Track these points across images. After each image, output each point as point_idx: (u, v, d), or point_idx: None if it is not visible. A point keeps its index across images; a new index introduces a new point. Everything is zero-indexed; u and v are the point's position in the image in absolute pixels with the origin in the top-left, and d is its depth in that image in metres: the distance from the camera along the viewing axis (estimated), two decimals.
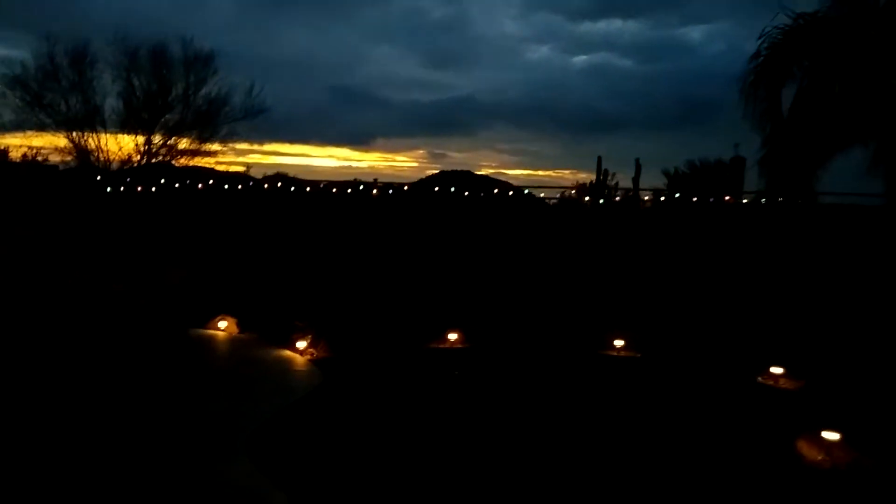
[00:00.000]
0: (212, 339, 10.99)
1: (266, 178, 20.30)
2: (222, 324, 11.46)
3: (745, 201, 16.40)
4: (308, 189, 17.45)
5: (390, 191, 18.85)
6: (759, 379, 9.38)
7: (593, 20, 43.42)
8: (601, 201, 18.03)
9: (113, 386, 8.05)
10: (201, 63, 19.43)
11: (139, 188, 16.29)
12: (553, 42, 41.72)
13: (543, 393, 8.72)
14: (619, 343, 10.64)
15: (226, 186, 16.70)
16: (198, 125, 19.79)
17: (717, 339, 10.69)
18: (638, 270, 13.29)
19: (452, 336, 10.98)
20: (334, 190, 18.58)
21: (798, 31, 11.08)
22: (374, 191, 16.86)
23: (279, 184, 17.20)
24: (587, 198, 19.01)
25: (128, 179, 16.99)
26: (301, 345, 10.08)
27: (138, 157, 19.32)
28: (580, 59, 41.07)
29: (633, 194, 19.81)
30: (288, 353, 10.12)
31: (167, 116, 19.22)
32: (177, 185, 17.20)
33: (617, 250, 14.20)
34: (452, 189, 18.51)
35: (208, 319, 11.55)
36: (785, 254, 12.43)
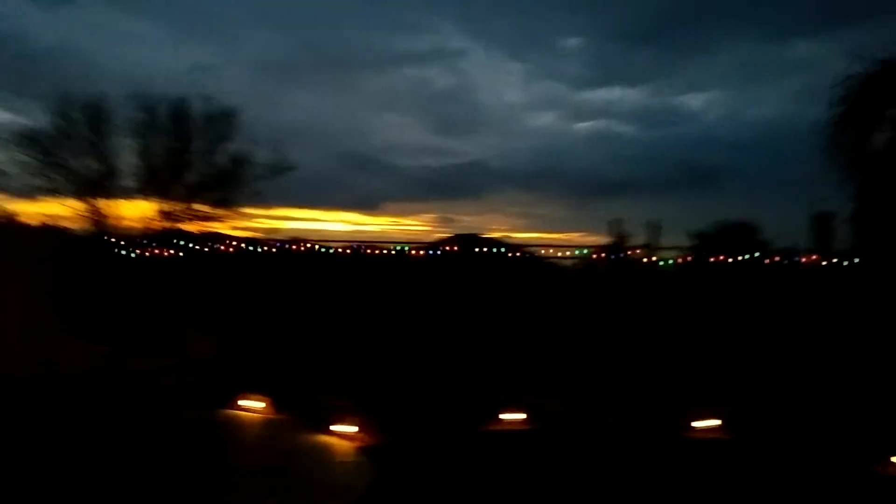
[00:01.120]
0: (242, 422, 9.74)
1: (284, 242, 19.29)
2: (255, 404, 10.24)
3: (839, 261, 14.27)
4: (333, 251, 16.35)
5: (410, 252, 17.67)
6: (879, 469, 8.04)
7: (593, 88, 45.25)
8: (659, 263, 16.88)
9: (129, 483, 6.81)
10: (223, 119, 18.43)
11: (157, 252, 15.18)
12: (556, 109, 43.31)
13: (629, 485, 7.41)
14: (706, 424, 9.34)
15: (250, 249, 15.59)
16: (220, 185, 18.65)
17: (820, 419, 9.37)
18: (712, 338, 12.06)
19: (512, 416, 9.72)
20: (361, 252, 17.42)
21: (882, 76, 10.18)
22: (413, 251, 15.64)
23: (301, 247, 16.06)
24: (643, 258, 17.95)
25: (144, 242, 15.91)
26: (344, 429, 8.82)
27: (157, 220, 18.29)
28: (583, 126, 42.45)
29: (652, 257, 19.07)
30: (330, 439, 8.85)
31: (187, 176, 18.16)
32: (197, 248, 16.14)
33: (688, 315, 12.99)
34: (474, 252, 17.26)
35: (236, 396, 10.34)
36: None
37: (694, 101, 41.94)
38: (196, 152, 18.69)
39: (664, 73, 42.69)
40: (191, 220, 19.41)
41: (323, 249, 16.02)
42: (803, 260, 14.44)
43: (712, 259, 17.25)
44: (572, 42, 40.34)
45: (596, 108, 42.58)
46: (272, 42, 38.94)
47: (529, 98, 43.09)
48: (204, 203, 19.18)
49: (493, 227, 47.93)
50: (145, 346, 9.89)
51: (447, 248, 17.83)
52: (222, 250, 15.64)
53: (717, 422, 9.36)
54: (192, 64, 18.88)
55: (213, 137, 18.74)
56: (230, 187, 19.11)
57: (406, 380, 10.96)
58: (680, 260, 22.06)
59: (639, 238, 19.67)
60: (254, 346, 11.98)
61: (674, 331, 12.77)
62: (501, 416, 9.77)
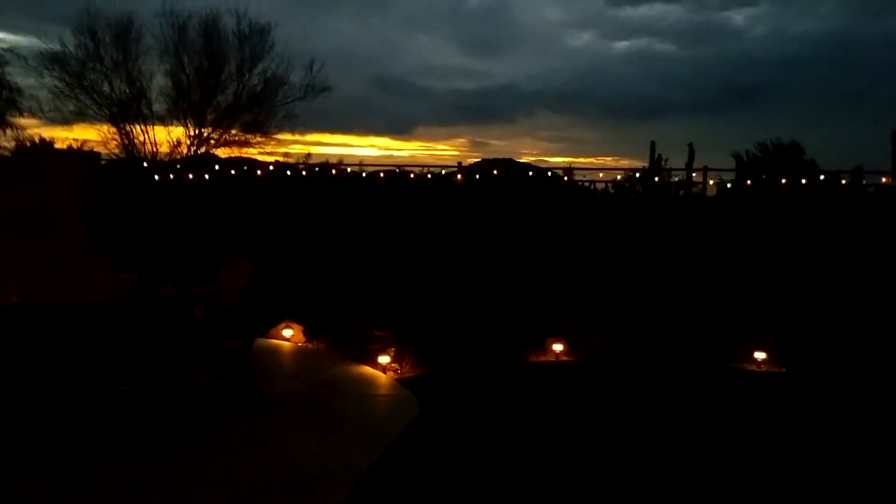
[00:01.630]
0: (276, 351, 9.53)
1: (315, 166, 18.80)
2: (287, 332, 10.02)
3: None
4: (367, 176, 15.86)
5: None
6: None
7: (634, 5, 42.76)
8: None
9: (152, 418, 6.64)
10: (256, 36, 17.49)
11: (189, 177, 14.87)
12: (594, 28, 40.97)
13: (674, 422, 7.03)
14: (759, 356, 8.88)
15: (287, 173, 15.17)
16: (253, 106, 17.97)
17: (878, 350, 8.85)
18: (764, 265, 11.46)
19: (557, 346, 9.36)
20: (408, 177, 16.86)
21: None
22: (458, 176, 15.02)
23: (335, 171, 15.57)
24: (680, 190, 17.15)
25: (177, 167, 15.55)
26: (384, 359, 8.55)
27: (187, 145, 17.81)
28: (622, 45, 40.30)
29: (687, 180, 18.33)
30: (369, 369, 8.59)
31: (219, 98, 17.46)
32: (231, 173, 15.78)
33: (739, 240, 12.34)
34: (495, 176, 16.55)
35: (270, 325, 10.11)
36: None
37: (738, 15, 39.51)
38: (228, 73, 17.87)
39: None
40: (223, 144, 18.96)
41: (362, 173, 15.57)
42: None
43: (766, 180, 16.35)
44: None
45: (636, 26, 40.46)
46: None
47: (567, 16, 40.99)
48: (236, 127, 18.63)
49: (525, 151, 46.57)
50: (176, 274, 9.61)
51: (481, 172, 17.20)
52: (255, 175, 15.28)
53: (764, 355, 8.86)
54: None
55: (245, 57, 17.87)
56: (263, 110, 18.40)
57: (444, 309, 10.63)
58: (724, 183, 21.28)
59: (678, 161, 18.93)
60: (289, 274, 11.71)
61: (723, 257, 12.18)
62: (546, 347, 9.42)
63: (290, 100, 17.75)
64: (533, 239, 13.54)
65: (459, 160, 18.43)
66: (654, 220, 14.59)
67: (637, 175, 20.49)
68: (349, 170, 15.84)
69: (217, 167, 15.20)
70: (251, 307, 9.76)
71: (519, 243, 13.35)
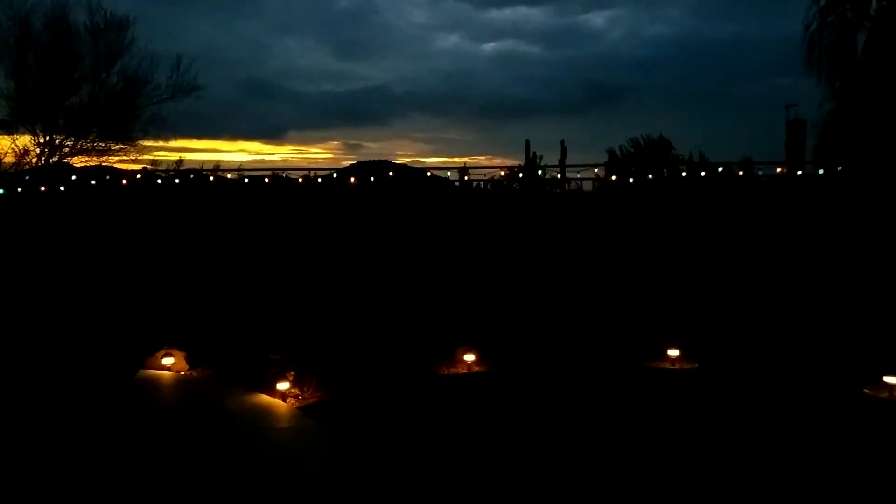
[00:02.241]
0: (156, 383, 8.39)
1: (190, 172, 17.31)
2: (167, 360, 8.86)
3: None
4: (245, 182, 14.72)
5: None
6: (868, 390, 7.58)
7: (498, 7, 44.68)
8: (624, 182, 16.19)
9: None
10: (113, 31, 15.51)
11: (40, 189, 13.13)
12: (461, 30, 42.33)
13: (595, 425, 6.65)
14: (671, 352, 8.70)
15: (150, 182, 13.74)
16: (113, 108, 16.03)
17: (797, 341, 8.90)
18: (661, 259, 11.46)
19: (468, 357, 8.80)
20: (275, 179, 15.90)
21: None
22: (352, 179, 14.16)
23: (210, 176, 14.31)
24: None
25: (25, 178, 13.70)
26: (283, 385, 7.64)
27: (37, 154, 15.75)
28: (489, 47, 41.99)
29: (562, 177, 19.07)
30: (266, 398, 7.65)
31: (73, 99, 15.43)
32: (89, 183, 14.15)
33: (631, 234, 12.31)
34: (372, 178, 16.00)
35: (144, 353, 8.94)
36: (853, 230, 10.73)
37: (597, 18, 41.71)
38: (82, 70, 15.87)
39: None
40: (80, 152, 17.00)
41: (241, 178, 14.38)
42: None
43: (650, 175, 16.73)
44: None
45: (501, 28, 41.89)
46: None
47: (434, 19, 41.59)
48: (93, 132, 16.72)
49: (400, 153, 46.66)
50: (25, 301, 8.26)
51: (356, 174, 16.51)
52: (117, 185, 13.73)
53: (676, 351, 8.72)
54: None
55: (101, 54, 15.94)
56: (125, 112, 16.56)
57: (344, 323, 9.85)
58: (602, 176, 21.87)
59: (551, 158, 19.38)
60: (161, 293, 10.49)
61: (617, 253, 12.14)
62: (456, 358, 8.84)
63: (155, 100, 16.06)
64: (428, 241, 13.00)
65: (345, 163, 17.60)
66: (543, 217, 14.47)
67: (519, 173, 20.64)
68: (228, 175, 14.63)
69: (74, 177, 13.52)
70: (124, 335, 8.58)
71: (414, 247, 12.77)
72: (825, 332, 8.98)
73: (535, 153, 19.88)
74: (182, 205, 13.03)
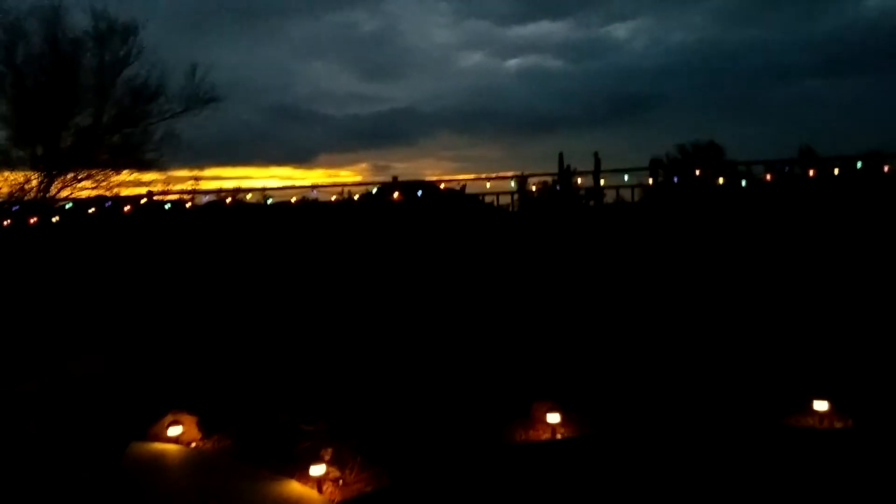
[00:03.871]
0: (160, 460, 6.63)
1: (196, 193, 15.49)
2: (174, 429, 7.12)
3: None
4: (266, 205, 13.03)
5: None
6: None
7: (522, 24, 44.55)
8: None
9: None
10: (118, 37, 13.76)
11: (36, 223, 11.50)
12: (485, 48, 42.10)
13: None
14: (818, 405, 6.74)
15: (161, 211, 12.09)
16: (120, 125, 14.19)
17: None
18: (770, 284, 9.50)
19: (551, 417, 6.90)
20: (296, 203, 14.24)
21: None
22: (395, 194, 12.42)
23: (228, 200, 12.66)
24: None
25: (14, 209, 12.10)
26: (317, 470, 5.82)
27: (38, 183, 14.09)
28: (513, 63, 41.53)
29: (596, 189, 17.37)
30: (298, 488, 5.83)
31: (77, 119, 13.69)
32: (92, 217, 12.55)
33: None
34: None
35: (148, 422, 7.21)
36: None
37: (619, 30, 40.98)
38: (84, 83, 14.12)
39: (588, 3, 41.70)
40: (86, 179, 15.30)
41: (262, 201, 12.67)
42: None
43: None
44: None
45: (524, 44, 41.46)
46: None
47: (457, 38, 41.19)
48: (103, 152, 14.90)
49: (429, 171, 46.07)
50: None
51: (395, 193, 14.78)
52: (122, 214, 12.10)
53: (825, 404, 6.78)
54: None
55: (110, 57, 14.16)
56: (143, 122, 14.70)
57: (386, 379, 8.03)
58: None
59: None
60: (172, 342, 8.78)
61: (712, 271, 10.22)
62: (534, 418, 6.98)
63: (168, 115, 14.23)
64: (477, 271, 11.20)
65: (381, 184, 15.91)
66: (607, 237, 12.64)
67: (556, 185, 19.11)
68: (248, 197, 12.92)
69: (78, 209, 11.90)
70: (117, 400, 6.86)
71: (462, 279, 10.97)
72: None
73: (568, 165, 18.56)
74: (196, 233, 11.37)
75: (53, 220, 11.14)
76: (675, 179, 17.33)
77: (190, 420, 7.24)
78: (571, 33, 39.98)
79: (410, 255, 11.03)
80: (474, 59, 41.60)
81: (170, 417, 7.24)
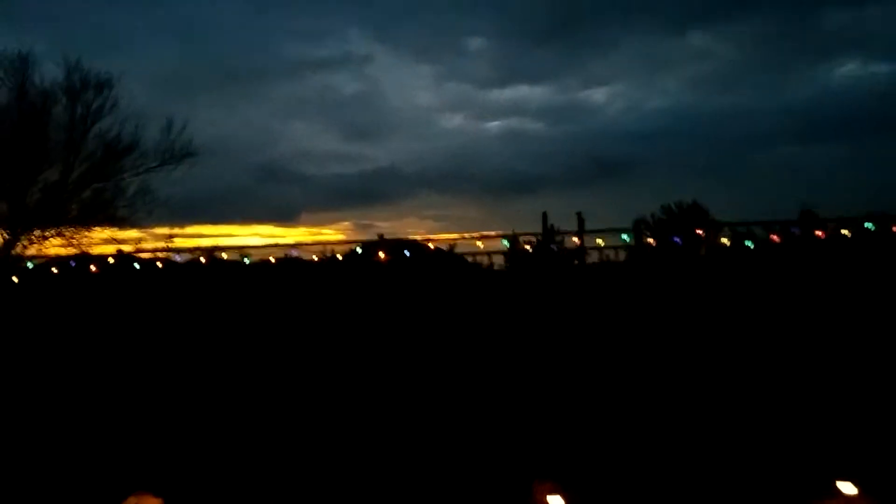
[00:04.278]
0: None
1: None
2: None
3: None
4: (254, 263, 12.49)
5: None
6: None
7: (501, 87, 46.84)
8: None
9: None
10: (92, 90, 13.34)
11: None
12: (465, 110, 44.02)
13: None
14: (844, 488, 6.20)
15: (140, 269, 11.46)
16: (91, 180, 13.66)
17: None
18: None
19: (552, 501, 6.29)
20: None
21: None
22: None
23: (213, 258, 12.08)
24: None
25: None
26: None
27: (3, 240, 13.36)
28: (493, 125, 43.48)
29: (579, 248, 17.34)
30: None
31: (45, 173, 13.10)
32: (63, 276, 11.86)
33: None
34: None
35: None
36: None
37: (597, 94, 43.01)
38: (54, 136, 13.55)
39: (566, 69, 44.02)
40: (52, 237, 14.56)
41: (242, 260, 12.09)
42: None
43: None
44: (476, 43, 40.61)
45: (504, 107, 43.43)
46: (168, 54, 36.24)
47: (438, 100, 42.99)
48: (72, 208, 14.25)
49: (411, 230, 46.86)
50: None
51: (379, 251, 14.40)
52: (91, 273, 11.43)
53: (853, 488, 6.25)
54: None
55: (82, 110, 13.65)
56: (115, 178, 14.15)
57: (389, 447, 7.40)
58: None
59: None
60: (135, 408, 8.07)
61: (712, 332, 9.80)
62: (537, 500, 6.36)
63: (142, 169, 13.73)
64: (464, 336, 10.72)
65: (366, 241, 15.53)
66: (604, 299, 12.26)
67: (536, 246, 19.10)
68: (224, 255, 12.36)
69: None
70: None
71: (449, 344, 10.46)
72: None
73: (552, 225, 18.80)
74: (164, 295, 10.74)
75: (13, 279, 10.44)
76: (678, 240, 17.11)
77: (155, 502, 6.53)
78: (550, 97, 41.89)
79: (398, 317, 10.51)
80: (455, 121, 43.18)
81: (132, 500, 6.53)
